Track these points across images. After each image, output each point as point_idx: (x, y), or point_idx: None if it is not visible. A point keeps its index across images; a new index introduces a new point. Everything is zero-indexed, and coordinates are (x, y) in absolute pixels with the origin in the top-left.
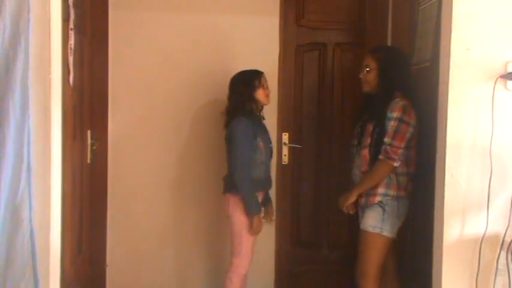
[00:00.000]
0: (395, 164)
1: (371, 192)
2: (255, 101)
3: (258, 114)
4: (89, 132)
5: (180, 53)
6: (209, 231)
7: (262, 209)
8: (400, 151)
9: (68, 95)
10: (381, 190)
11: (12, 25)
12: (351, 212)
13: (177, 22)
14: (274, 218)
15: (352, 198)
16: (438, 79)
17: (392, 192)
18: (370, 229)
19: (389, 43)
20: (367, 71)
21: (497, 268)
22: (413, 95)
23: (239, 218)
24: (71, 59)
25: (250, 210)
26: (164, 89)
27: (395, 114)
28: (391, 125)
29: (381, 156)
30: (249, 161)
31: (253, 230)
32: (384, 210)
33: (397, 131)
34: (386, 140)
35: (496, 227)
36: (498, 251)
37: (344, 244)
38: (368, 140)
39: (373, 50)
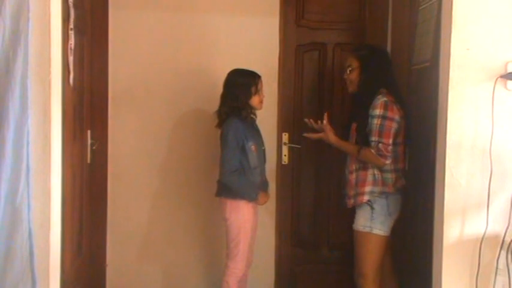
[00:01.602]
0: (387, 162)
1: (358, 191)
2: (249, 107)
3: (250, 117)
4: (89, 132)
5: (180, 53)
6: (210, 232)
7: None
8: (390, 148)
9: (68, 95)
10: (367, 188)
11: (12, 25)
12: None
13: (177, 22)
14: (269, 190)
15: (327, 138)
16: (438, 79)
17: (378, 189)
18: (360, 228)
19: (389, 43)
20: (350, 70)
21: (497, 268)
22: (398, 91)
23: (236, 221)
24: (71, 59)
25: (251, 199)
26: (164, 88)
27: (377, 112)
28: (375, 123)
29: (372, 150)
30: (237, 165)
31: (262, 203)
32: (372, 208)
33: (382, 128)
34: (374, 138)
35: (496, 227)
36: (498, 251)
37: (344, 244)
38: (353, 140)
39: (354, 49)
